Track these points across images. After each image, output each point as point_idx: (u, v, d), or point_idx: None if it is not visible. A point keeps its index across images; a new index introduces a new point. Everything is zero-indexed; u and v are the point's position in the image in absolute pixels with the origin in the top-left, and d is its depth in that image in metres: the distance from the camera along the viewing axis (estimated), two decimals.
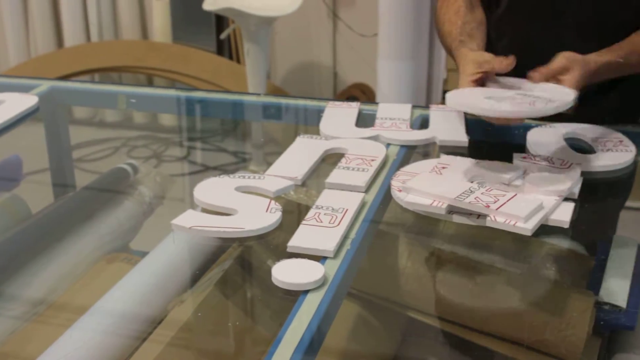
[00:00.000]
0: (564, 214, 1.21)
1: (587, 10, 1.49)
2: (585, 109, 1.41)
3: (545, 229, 1.30)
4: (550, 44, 1.53)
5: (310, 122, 1.74)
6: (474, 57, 1.42)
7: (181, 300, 1.24)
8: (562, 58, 1.37)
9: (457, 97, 1.34)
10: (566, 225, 1.20)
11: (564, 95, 1.32)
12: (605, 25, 1.50)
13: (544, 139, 1.46)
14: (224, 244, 1.26)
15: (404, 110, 1.62)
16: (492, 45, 1.64)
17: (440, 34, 1.60)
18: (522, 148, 1.46)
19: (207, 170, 1.48)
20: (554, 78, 1.37)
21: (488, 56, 1.41)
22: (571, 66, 1.36)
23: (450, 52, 1.55)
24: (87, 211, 1.57)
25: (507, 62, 1.38)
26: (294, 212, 1.30)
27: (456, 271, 1.30)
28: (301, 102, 1.80)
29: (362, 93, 3.81)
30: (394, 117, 1.58)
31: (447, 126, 1.54)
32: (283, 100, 1.78)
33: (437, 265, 1.32)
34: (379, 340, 1.30)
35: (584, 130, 1.49)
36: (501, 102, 1.29)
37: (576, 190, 1.27)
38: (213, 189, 1.30)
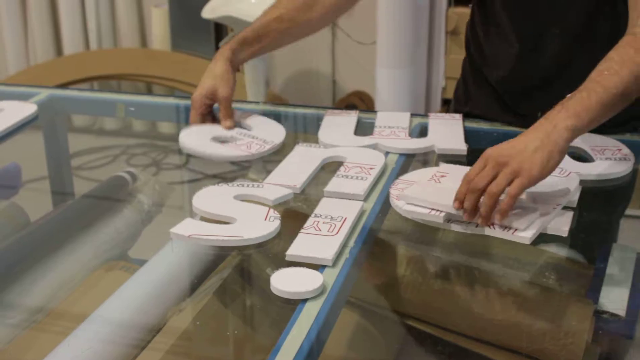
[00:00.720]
0: (562, 223, 1.21)
1: (573, 19, 1.49)
2: None
3: (544, 238, 1.30)
4: (539, 52, 1.53)
5: (309, 131, 1.74)
6: (210, 86, 1.58)
7: (180, 308, 1.24)
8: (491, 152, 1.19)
9: (190, 134, 1.54)
10: (565, 234, 1.20)
11: (276, 136, 1.54)
12: (591, 34, 1.50)
13: None
14: (223, 252, 1.26)
15: (403, 119, 1.62)
16: (484, 57, 1.64)
17: None
18: None
19: (205, 178, 1.48)
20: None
21: (223, 94, 1.57)
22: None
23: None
24: (86, 219, 1.57)
25: (227, 124, 1.55)
26: (293, 221, 1.30)
27: (455, 280, 1.30)
28: (300, 110, 1.81)
29: (361, 101, 3.81)
30: (392, 125, 1.58)
31: (446, 134, 1.55)
32: (282, 109, 1.78)
33: (435, 273, 1.32)
34: (377, 349, 1.30)
35: (583, 139, 1.49)
36: (225, 144, 1.50)
37: (575, 198, 1.27)
38: (212, 198, 1.31)
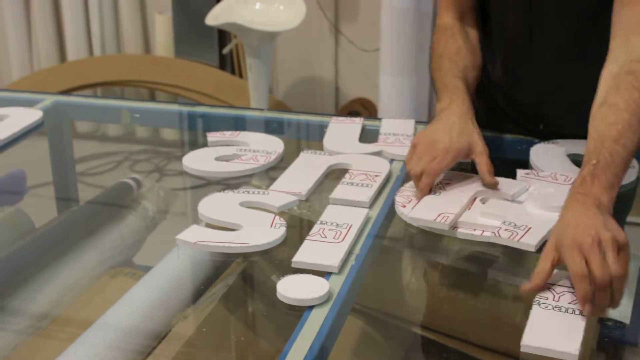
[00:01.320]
0: None
1: (564, 32, 1.48)
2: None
3: None
4: (530, 65, 1.52)
5: (312, 138, 1.74)
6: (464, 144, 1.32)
7: (185, 315, 1.24)
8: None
9: (192, 158, 1.53)
10: None
11: (275, 145, 1.55)
12: (583, 45, 1.49)
13: (547, 156, 1.47)
14: (228, 259, 1.27)
15: (408, 126, 1.62)
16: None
17: (436, 68, 1.49)
18: (525, 164, 1.46)
19: (209, 184, 1.48)
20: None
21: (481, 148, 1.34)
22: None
23: (441, 88, 1.44)
24: (91, 225, 1.57)
25: (492, 181, 1.32)
26: (298, 228, 1.30)
27: (459, 287, 1.30)
28: (304, 118, 1.81)
29: (363, 108, 3.82)
30: (397, 132, 1.58)
31: None
32: (286, 116, 1.79)
33: (440, 281, 1.32)
34: (382, 356, 1.30)
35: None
36: (231, 162, 1.50)
37: None
38: (217, 204, 1.31)
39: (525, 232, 1.18)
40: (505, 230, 1.19)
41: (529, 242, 1.17)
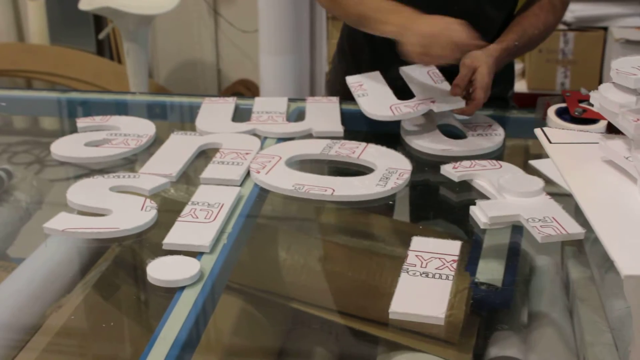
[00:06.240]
0: None
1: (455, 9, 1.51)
2: None
3: (424, 215, 1.33)
4: None
5: (186, 119, 1.73)
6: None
7: (59, 305, 1.21)
8: (466, 59, 1.43)
9: (60, 144, 1.50)
10: None
11: (147, 128, 1.54)
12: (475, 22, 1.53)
13: (418, 127, 1.49)
14: (103, 245, 1.24)
15: (280, 104, 1.63)
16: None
17: (356, 1, 1.50)
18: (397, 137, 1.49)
19: (92, 173, 1.45)
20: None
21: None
22: (477, 64, 1.42)
23: (381, 9, 1.46)
24: None
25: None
26: (173, 210, 1.28)
27: (336, 260, 1.31)
28: (177, 100, 1.79)
29: (246, 89, 3.80)
30: (270, 110, 1.59)
31: (323, 117, 1.56)
32: (159, 98, 1.77)
33: (317, 255, 1.33)
34: (263, 334, 1.30)
35: (455, 117, 1.53)
36: (101, 147, 1.48)
37: None
38: (86, 190, 1.29)
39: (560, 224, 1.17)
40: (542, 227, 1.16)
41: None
